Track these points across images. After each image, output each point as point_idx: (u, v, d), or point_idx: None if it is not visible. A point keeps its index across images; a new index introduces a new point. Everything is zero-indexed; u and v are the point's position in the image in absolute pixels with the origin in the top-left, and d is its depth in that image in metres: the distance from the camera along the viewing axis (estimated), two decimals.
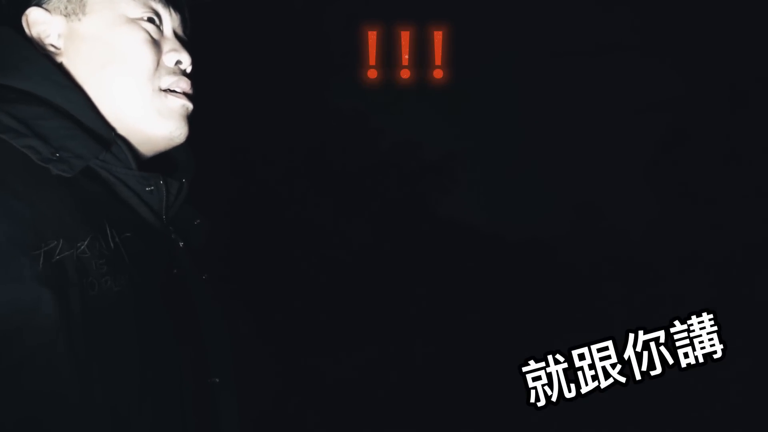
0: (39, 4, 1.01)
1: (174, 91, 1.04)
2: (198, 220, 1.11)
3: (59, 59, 1.00)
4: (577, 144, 4.05)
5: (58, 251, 0.84)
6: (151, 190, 0.99)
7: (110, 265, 0.88)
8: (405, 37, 3.88)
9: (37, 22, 1.00)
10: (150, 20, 1.04)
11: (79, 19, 1.01)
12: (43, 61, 0.98)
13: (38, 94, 0.93)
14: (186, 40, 1.10)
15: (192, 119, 1.10)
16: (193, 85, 1.08)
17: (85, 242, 0.87)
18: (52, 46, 1.01)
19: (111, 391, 0.85)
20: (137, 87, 1.02)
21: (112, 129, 0.98)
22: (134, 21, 1.01)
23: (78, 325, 0.83)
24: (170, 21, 1.07)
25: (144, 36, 1.02)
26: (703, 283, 3.84)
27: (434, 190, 4.11)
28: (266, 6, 3.71)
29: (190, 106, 1.05)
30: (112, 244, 0.89)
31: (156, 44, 1.04)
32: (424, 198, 4.09)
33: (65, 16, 1.02)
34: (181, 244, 1.02)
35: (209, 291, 1.06)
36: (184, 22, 1.11)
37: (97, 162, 0.94)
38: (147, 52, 1.03)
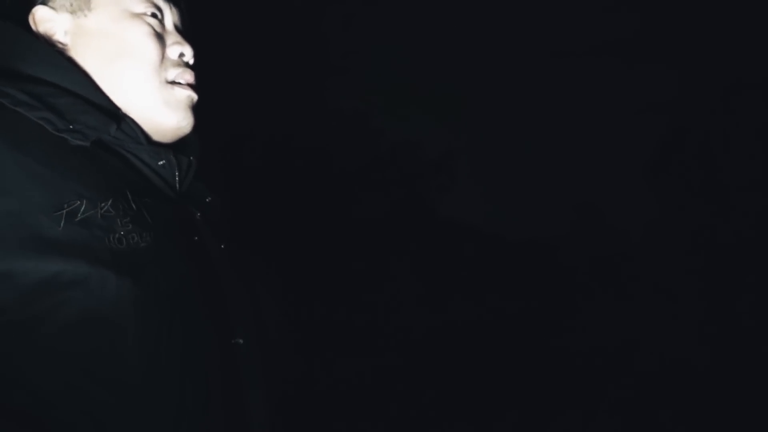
0: (44, 3, 1.03)
1: (179, 83, 1.08)
2: (209, 198, 1.13)
3: (68, 55, 1.02)
4: (578, 144, 4.05)
5: (81, 211, 0.86)
6: (164, 164, 1.02)
7: (135, 223, 0.90)
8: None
9: (43, 20, 1.02)
10: (153, 15, 1.07)
11: (85, 15, 1.04)
12: (46, 49, 1.01)
13: (44, 77, 0.96)
14: (185, 33, 1.13)
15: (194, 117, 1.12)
16: (196, 77, 1.11)
17: (108, 202, 0.89)
18: (60, 42, 1.03)
19: (140, 346, 0.87)
20: (145, 79, 1.05)
21: (118, 108, 1.01)
22: (138, 15, 1.04)
23: (109, 278, 0.85)
24: (171, 15, 1.11)
25: (149, 29, 1.04)
26: (704, 283, 3.85)
27: (434, 189, 4.12)
28: (266, 7, 3.71)
29: (195, 96, 1.09)
30: (134, 206, 0.92)
31: (160, 38, 1.07)
32: (424, 198, 4.10)
33: (71, 12, 1.04)
34: (198, 215, 1.05)
35: (230, 260, 1.09)
36: (183, 15, 1.14)
37: (110, 138, 0.97)
38: (153, 45, 1.06)
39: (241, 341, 1.01)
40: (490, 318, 3.81)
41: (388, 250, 3.96)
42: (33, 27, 1.03)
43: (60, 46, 1.03)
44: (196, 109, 1.11)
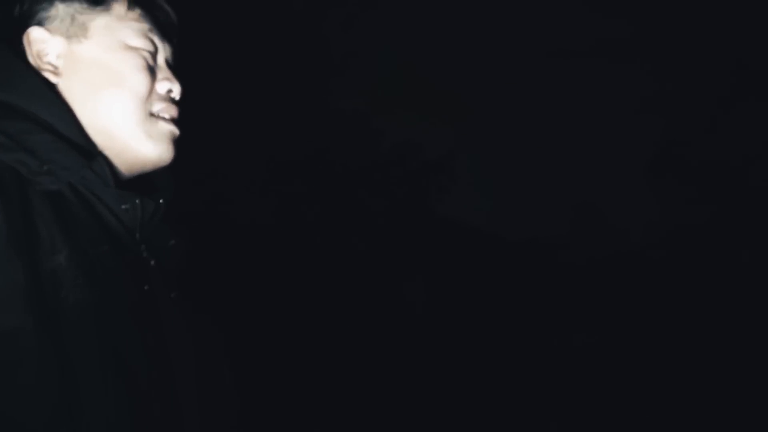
0: (40, 24, 1.01)
1: (163, 117, 1.10)
2: (173, 241, 1.13)
3: (56, 79, 1.04)
4: (577, 144, 4.06)
5: (37, 263, 0.89)
6: (127, 208, 1.05)
7: (85, 277, 0.92)
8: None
9: (37, 41, 1.01)
10: (147, 50, 1.09)
11: (80, 42, 1.06)
12: (32, 75, 1.04)
13: (24, 107, 0.99)
14: (175, 70, 1.16)
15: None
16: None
17: (62, 255, 0.91)
18: (50, 64, 1.05)
19: (76, 399, 0.87)
20: (132, 110, 1.10)
21: (94, 145, 0.99)
22: (133, 49, 1.04)
23: (52, 334, 0.86)
24: (164, 51, 1.14)
25: (142, 63, 1.08)
26: (704, 282, 3.85)
27: (434, 190, 4.12)
28: (266, 8, 3.72)
29: (177, 132, 1.11)
30: (87, 259, 0.93)
31: (151, 71, 1.11)
32: (424, 198, 4.10)
33: (66, 37, 1.09)
34: (152, 262, 1.05)
35: (178, 309, 1.09)
36: (175, 53, 1.17)
37: (77, 178, 0.94)
38: (143, 78, 1.11)
39: (180, 396, 1.02)
40: (489, 317, 3.81)
41: (389, 250, 3.96)
42: (26, 46, 1.05)
43: (49, 68, 1.05)
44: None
